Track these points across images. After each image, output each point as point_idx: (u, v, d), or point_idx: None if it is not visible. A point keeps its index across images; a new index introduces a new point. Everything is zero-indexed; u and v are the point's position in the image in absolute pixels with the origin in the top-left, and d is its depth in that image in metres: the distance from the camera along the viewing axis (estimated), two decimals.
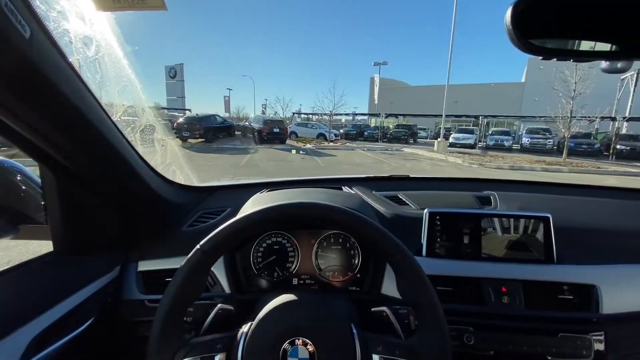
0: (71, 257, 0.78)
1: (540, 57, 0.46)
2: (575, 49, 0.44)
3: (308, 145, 16.49)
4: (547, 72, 16.33)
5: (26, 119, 0.54)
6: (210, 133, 15.98)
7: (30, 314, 0.61)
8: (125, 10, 0.63)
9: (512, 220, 0.89)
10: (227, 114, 34.20)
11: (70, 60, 0.54)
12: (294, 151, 13.97)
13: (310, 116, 32.41)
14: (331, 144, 18.60)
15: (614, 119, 18.03)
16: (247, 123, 21.29)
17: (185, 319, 0.64)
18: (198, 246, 0.58)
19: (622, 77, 18.22)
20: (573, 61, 0.49)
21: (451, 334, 0.70)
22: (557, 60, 0.49)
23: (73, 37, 0.59)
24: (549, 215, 0.87)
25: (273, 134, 16.79)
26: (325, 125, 22.95)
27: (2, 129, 0.55)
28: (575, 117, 13.96)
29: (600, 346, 0.76)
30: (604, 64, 0.54)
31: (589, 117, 14.74)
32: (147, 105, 0.91)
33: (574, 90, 14.02)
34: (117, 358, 0.87)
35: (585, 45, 0.44)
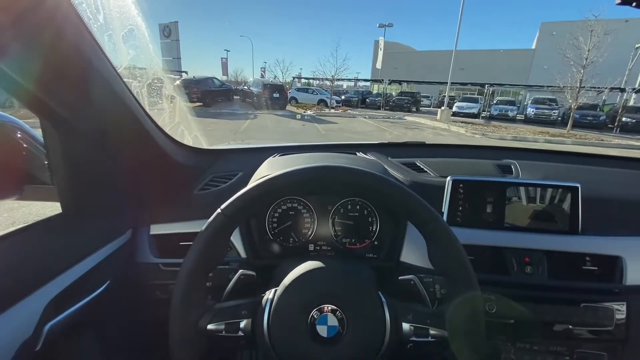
0: (81, 219, 0.74)
1: (633, 4, 0.39)
2: None
3: (308, 112, 16.14)
4: (559, 39, 15.62)
5: (22, 62, 0.48)
6: (208, 97, 15.48)
7: (45, 277, 0.58)
8: None
9: (539, 189, 0.85)
10: (224, 77, 33.08)
11: None
12: (298, 116, 13.67)
13: (311, 81, 31.43)
14: (332, 110, 18.19)
15: (623, 90, 17.53)
16: (245, 87, 20.63)
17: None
18: (219, 210, 0.54)
19: (637, 45, 17.37)
20: None
21: None
22: None
23: None
24: (578, 185, 0.84)
25: (273, 99, 16.35)
26: (326, 91, 22.29)
27: (2, 78, 0.49)
28: (584, 87, 13.55)
29: (621, 316, 0.76)
30: None
31: (598, 87, 14.33)
32: (154, 55, 0.82)
33: (586, 59, 13.48)
34: (135, 320, 0.87)
35: None
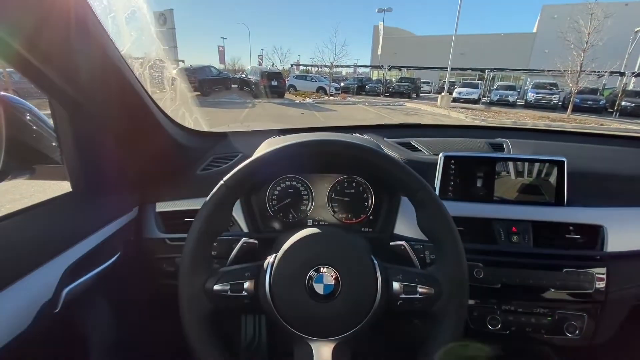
0: (90, 197, 0.78)
1: None
2: None
3: (307, 100, 16.01)
4: (560, 22, 15.40)
5: (33, 43, 0.51)
6: (206, 86, 15.33)
7: (61, 247, 0.63)
8: None
9: (526, 164, 0.89)
10: (222, 66, 32.61)
11: None
12: (298, 101, 13.51)
13: (310, 68, 31.08)
14: (331, 98, 18.03)
15: (622, 74, 17.37)
16: (243, 75, 20.39)
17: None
18: (222, 182, 0.58)
19: (637, 29, 17.08)
20: None
21: None
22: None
23: None
24: (564, 159, 0.87)
25: (271, 87, 16.21)
26: (325, 77, 22.06)
27: (16, 60, 0.52)
28: (584, 71, 13.44)
29: (601, 280, 0.81)
30: None
31: (598, 71, 14.22)
32: (155, 37, 0.84)
33: (587, 42, 13.33)
34: (144, 289, 0.93)
35: None
